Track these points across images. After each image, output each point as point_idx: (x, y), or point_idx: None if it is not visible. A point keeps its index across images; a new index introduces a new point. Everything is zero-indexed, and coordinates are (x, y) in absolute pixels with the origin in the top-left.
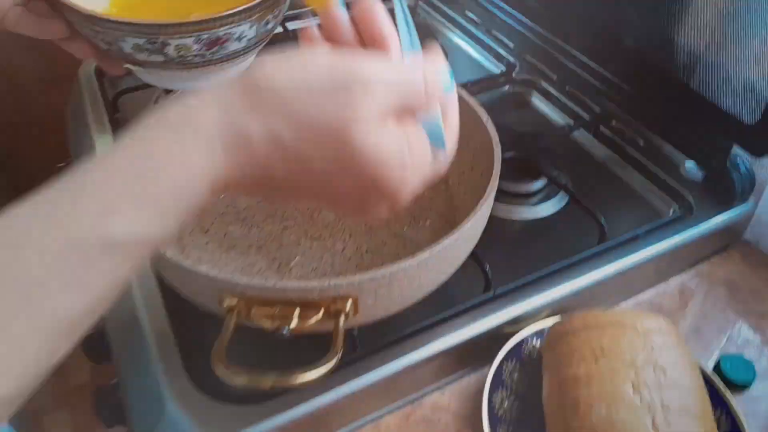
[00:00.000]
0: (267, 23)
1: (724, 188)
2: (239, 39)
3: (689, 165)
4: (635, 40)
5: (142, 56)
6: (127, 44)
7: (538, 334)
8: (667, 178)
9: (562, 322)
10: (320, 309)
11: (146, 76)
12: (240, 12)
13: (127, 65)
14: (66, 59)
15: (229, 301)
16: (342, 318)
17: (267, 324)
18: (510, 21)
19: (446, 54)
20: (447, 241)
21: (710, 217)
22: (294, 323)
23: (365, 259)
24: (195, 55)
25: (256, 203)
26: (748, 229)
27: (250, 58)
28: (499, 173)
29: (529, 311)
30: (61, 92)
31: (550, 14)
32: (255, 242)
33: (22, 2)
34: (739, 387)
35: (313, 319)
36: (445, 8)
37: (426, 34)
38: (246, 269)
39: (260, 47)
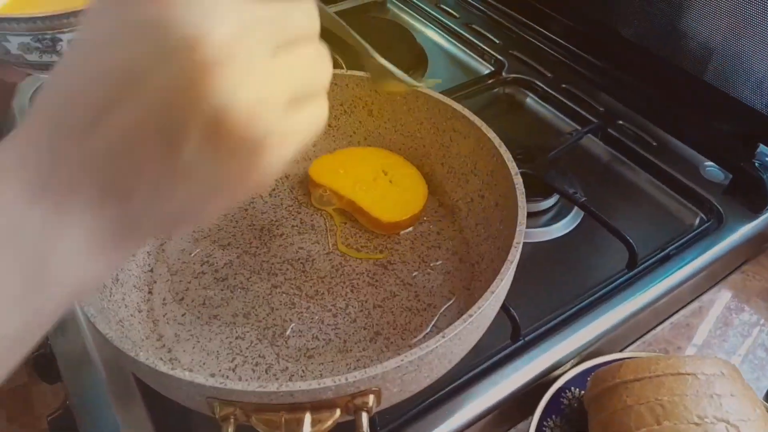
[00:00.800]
0: None
1: (752, 191)
2: None
3: (710, 166)
4: (635, 30)
5: (33, 57)
6: (12, 44)
7: (576, 380)
8: (688, 182)
9: (608, 370)
10: (336, 408)
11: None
12: None
13: (23, 70)
14: None
15: (224, 410)
16: (364, 417)
17: None
18: (491, 12)
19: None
20: (480, 307)
21: (743, 224)
22: (307, 430)
23: (373, 316)
24: None
25: (237, 257)
26: None
27: None
28: (525, 212)
29: (565, 356)
30: None
31: (536, 3)
32: (241, 308)
33: None
34: None
35: (329, 423)
36: (415, 1)
37: (400, 33)
38: (234, 345)
39: None
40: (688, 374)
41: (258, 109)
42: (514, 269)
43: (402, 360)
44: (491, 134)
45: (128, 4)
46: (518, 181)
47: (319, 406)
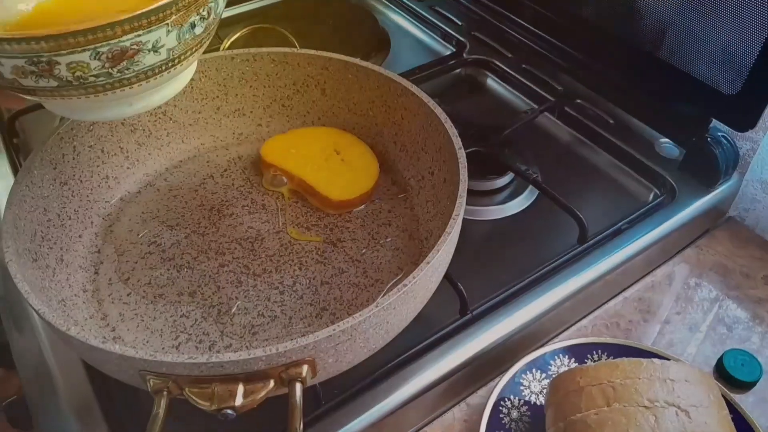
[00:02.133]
0: (193, 26)
1: (706, 166)
2: (155, 50)
3: (665, 143)
4: (594, 10)
5: (28, 82)
6: (5, 68)
7: (537, 363)
8: (642, 159)
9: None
10: (269, 379)
11: (51, 105)
12: (147, 13)
13: (19, 95)
14: None
15: (156, 383)
16: (298, 387)
17: (206, 406)
18: None
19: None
20: (415, 277)
21: (696, 199)
22: (239, 401)
23: (320, 293)
24: (98, 75)
25: (185, 237)
26: (732, 206)
27: (183, 76)
28: (466, 185)
29: (515, 330)
30: None
31: None
32: (187, 287)
33: None
34: (746, 385)
35: (262, 393)
36: None
37: (362, 15)
38: (178, 323)
39: (193, 58)
40: (644, 360)
41: None
42: (454, 242)
43: (334, 329)
44: (438, 110)
45: None
46: (461, 155)
47: (252, 377)
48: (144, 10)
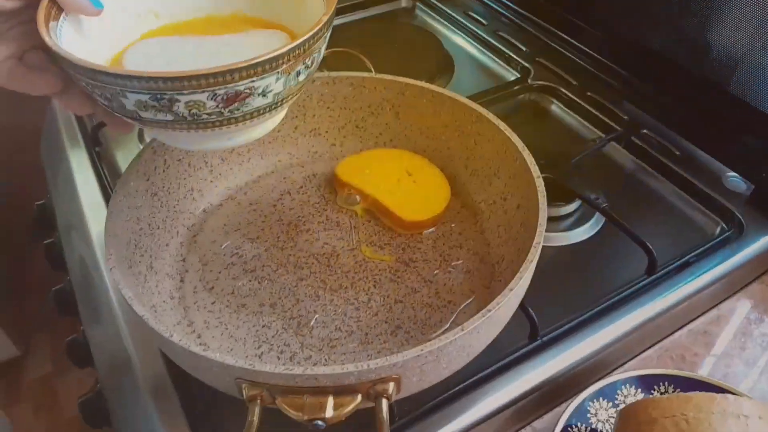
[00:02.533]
0: (298, 74)
1: None
2: (264, 94)
3: (732, 177)
4: (662, 41)
5: (147, 114)
6: (129, 101)
7: (604, 392)
8: (709, 192)
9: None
10: (357, 394)
11: (159, 135)
12: (263, 62)
13: (132, 122)
14: None
15: (251, 391)
16: (384, 403)
17: (297, 416)
18: (519, 21)
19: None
20: (499, 303)
21: (763, 234)
22: (329, 413)
23: (395, 311)
24: (210, 113)
25: (265, 251)
26: None
27: (279, 115)
28: (546, 215)
29: (584, 358)
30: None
31: (563, 13)
32: (267, 299)
33: (16, 54)
34: None
35: (350, 407)
36: (444, 8)
37: (427, 39)
38: (260, 333)
39: (291, 102)
40: (716, 395)
41: None
42: (533, 269)
43: (422, 350)
44: (515, 138)
45: None
46: (540, 183)
47: (341, 390)
48: (261, 59)
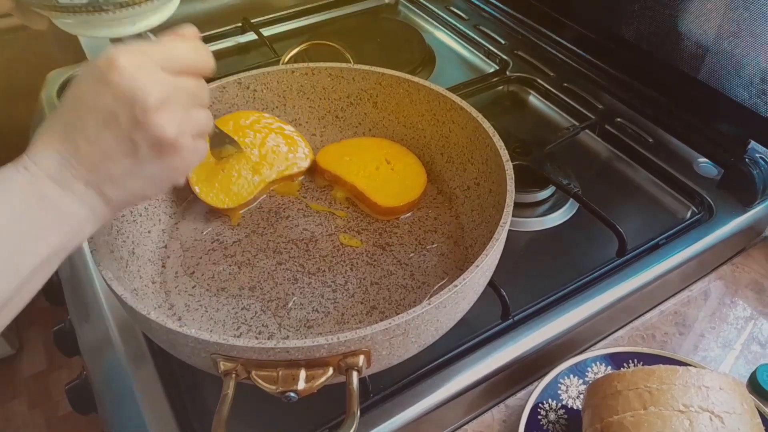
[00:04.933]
0: None
1: (743, 185)
2: None
3: (703, 162)
4: (635, 32)
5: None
6: None
7: (575, 369)
8: (680, 177)
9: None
10: (329, 367)
11: (68, 25)
12: None
13: (46, 12)
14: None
15: (226, 365)
16: (354, 375)
17: (271, 388)
18: (499, 15)
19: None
20: (465, 278)
21: (733, 217)
22: (301, 385)
23: (370, 292)
24: None
25: (245, 237)
26: None
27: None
28: (513, 195)
29: (554, 336)
30: (24, 107)
31: (542, 7)
32: (247, 282)
33: None
34: None
35: (322, 379)
36: (426, 4)
37: (409, 33)
38: (239, 315)
39: None
40: (680, 367)
41: (179, 137)
42: (501, 247)
43: (390, 323)
44: (486, 124)
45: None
46: (509, 167)
47: (313, 363)
48: None
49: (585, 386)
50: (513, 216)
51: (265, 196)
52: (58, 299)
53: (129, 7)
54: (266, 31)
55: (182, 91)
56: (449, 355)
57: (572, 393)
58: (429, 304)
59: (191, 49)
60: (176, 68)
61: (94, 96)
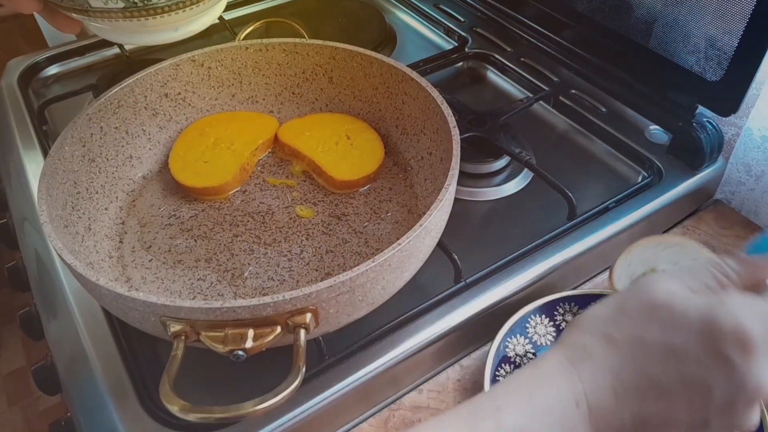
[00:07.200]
0: None
1: (692, 150)
2: None
3: (654, 129)
4: (588, 3)
5: (98, 3)
6: None
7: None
8: (632, 145)
9: None
10: (277, 326)
11: (105, 32)
12: None
13: (78, 16)
14: None
15: (175, 327)
16: (302, 333)
17: (219, 348)
18: None
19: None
20: (408, 237)
21: (681, 181)
22: (249, 344)
23: (325, 260)
24: None
25: (202, 211)
26: (719, 189)
27: (221, 3)
28: (459, 159)
29: (504, 297)
30: None
31: None
32: (203, 254)
33: None
34: None
35: (270, 338)
36: None
37: (370, 13)
38: (195, 285)
39: None
40: None
41: None
42: (447, 208)
43: (334, 281)
44: (435, 93)
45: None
46: (455, 133)
47: (260, 323)
48: None
49: (554, 326)
50: (469, 186)
51: None
52: (23, 286)
53: (172, 12)
54: (227, 15)
55: None
56: (402, 317)
57: (540, 330)
58: (373, 262)
59: None
60: None
61: (696, 363)
